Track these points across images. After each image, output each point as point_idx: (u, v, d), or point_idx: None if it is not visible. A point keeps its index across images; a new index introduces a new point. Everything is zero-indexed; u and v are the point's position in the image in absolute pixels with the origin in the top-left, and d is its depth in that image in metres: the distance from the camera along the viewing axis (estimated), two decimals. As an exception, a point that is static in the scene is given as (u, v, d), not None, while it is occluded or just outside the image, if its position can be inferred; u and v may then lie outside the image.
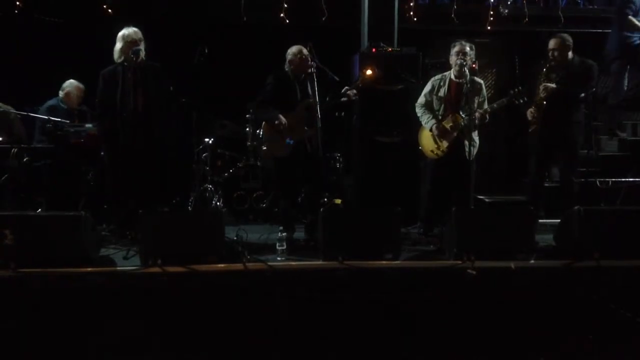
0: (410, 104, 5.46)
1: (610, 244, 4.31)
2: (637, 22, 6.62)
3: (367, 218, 4.51)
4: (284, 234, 4.58)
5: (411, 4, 6.60)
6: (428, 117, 5.20)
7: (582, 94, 5.22)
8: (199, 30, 6.69)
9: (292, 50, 5.06)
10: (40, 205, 5.17)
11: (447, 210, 4.48)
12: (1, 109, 5.48)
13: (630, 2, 6.65)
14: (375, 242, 4.39)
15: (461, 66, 4.96)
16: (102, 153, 5.27)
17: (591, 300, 4.05)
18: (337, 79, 5.22)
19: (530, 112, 5.27)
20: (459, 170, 5.02)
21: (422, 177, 5.60)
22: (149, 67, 4.88)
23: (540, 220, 4.84)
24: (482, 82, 5.22)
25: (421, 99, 5.29)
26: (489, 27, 6.68)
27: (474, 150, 4.94)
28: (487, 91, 5.32)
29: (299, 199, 5.48)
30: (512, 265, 4.24)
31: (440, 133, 5.12)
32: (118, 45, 4.83)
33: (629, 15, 6.62)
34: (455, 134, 5.09)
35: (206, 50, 5.84)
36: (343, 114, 6.30)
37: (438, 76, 5.26)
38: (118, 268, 4.20)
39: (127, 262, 4.30)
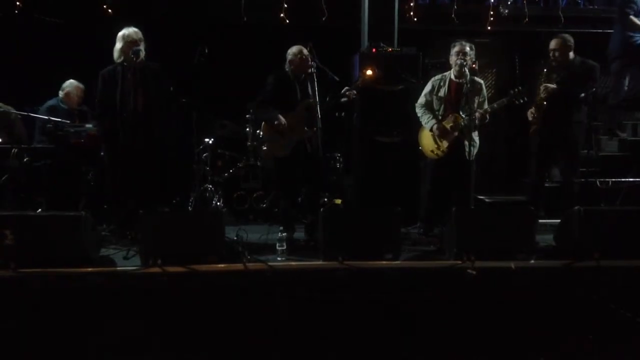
0: (410, 104, 5.46)
1: (611, 244, 4.31)
2: (638, 22, 6.63)
3: (367, 218, 4.51)
4: (284, 234, 4.58)
5: (411, 4, 6.60)
6: (428, 117, 5.20)
7: (582, 94, 5.22)
8: (199, 30, 6.70)
9: (293, 50, 5.05)
10: (41, 205, 5.17)
11: (447, 210, 4.48)
12: (2, 109, 5.48)
13: (631, 2, 6.66)
14: (376, 242, 4.39)
15: (461, 66, 4.96)
16: (102, 153, 5.27)
17: (591, 300, 4.05)
18: (337, 79, 5.21)
19: (530, 113, 5.27)
20: (459, 171, 5.03)
21: (422, 177, 5.60)
22: (148, 67, 4.88)
23: (540, 221, 4.82)
24: (482, 82, 5.22)
25: (421, 99, 5.30)
26: (489, 27, 6.67)
27: (474, 150, 4.94)
28: (487, 91, 5.32)
29: (299, 199, 5.48)
30: (512, 265, 4.23)
31: (441, 133, 5.12)
32: (118, 45, 4.83)
33: (630, 15, 6.63)
34: (455, 134, 5.09)
35: (206, 51, 5.84)
36: (343, 114, 6.29)
37: (438, 76, 5.27)
38: (118, 268, 4.20)
39: (127, 262, 4.30)
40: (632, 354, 3.59)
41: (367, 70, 5.49)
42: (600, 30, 7.38)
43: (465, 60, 4.96)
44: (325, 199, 5.88)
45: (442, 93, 5.18)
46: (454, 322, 3.84)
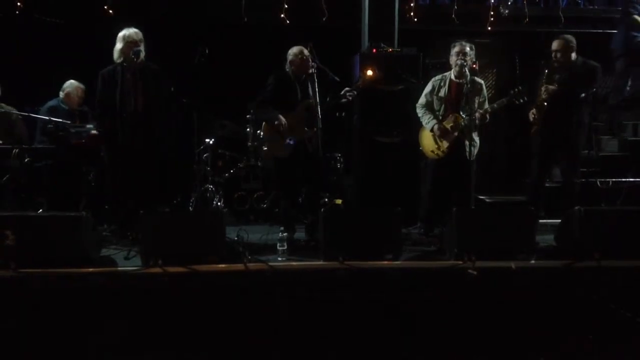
0: (410, 104, 5.46)
1: (611, 244, 4.31)
2: None
3: (368, 218, 4.51)
4: (285, 234, 4.58)
5: (411, 5, 6.60)
6: (429, 118, 5.20)
7: (583, 94, 5.22)
8: (199, 30, 6.70)
9: (293, 50, 5.06)
10: (41, 205, 5.18)
11: (448, 211, 4.48)
12: (2, 110, 5.49)
13: (634, 1, 6.67)
14: (376, 243, 4.39)
15: (461, 66, 4.96)
16: (102, 153, 5.27)
17: (591, 300, 4.05)
18: (338, 79, 5.22)
19: (531, 113, 5.27)
20: (459, 171, 5.02)
21: (423, 177, 5.60)
22: (148, 67, 4.88)
23: (540, 221, 4.84)
24: (482, 82, 5.22)
25: (422, 100, 5.30)
26: (489, 28, 6.67)
27: (475, 151, 4.94)
28: (487, 91, 5.33)
29: (300, 199, 5.48)
30: (513, 265, 4.24)
31: (441, 133, 5.13)
32: (118, 45, 4.83)
33: (634, 14, 6.64)
34: (455, 134, 5.09)
35: (207, 51, 5.84)
36: (343, 114, 6.29)
37: (438, 76, 5.27)
38: (119, 268, 4.20)
39: (127, 263, 4.30)
40: (632, 354, 3.59)
41: (367, 70, 5.50)
42: (601, 31, 7.39)
43: (465, 61, 4.96)
44: (326, 199, 5.88)
45: (442, 93, 5.18)
46: (454, 322, 3.84)
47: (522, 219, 4.48)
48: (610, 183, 6.02)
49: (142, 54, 4.81)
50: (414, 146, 5.52)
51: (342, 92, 5.11)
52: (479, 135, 5.15)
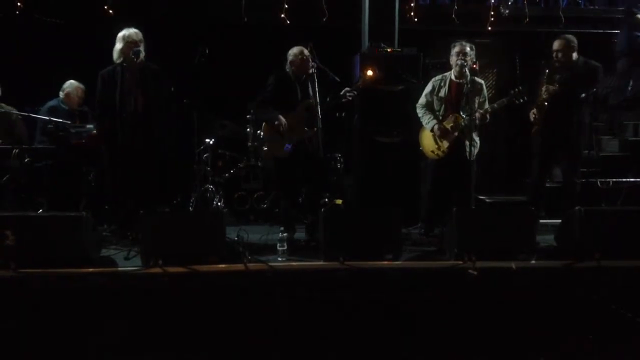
0: (410, 104, 5.46)
1: (611, 244, 4.30)
2: None
3: (368, 218, 4.51)
4: (285, 234, 4.57)
5: (412, 5, 6.60)
6: (429, 118, 5.20)
7: (583, 94, 5.21)
8: (199, 30, 6.70)
9: (294, 50, 5.06)
10: (42, 205, 5.17)
11: (448, 211, 4.47)
12: (3, 110, 5.49)
13: (638, 1, 6.69)
14: (376, 243, 4.39)
15: (461, 66, 4.96)
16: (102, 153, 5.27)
17: (591, 300, 4.04)
18: (338, 79, 5.21)
19: (532, 113, 5.26)
20: (459, 171, 5.02)
21: (423, 178, 5.60)
22: (148, 67, 4.88)
23: (541, 221, 4.83)
24: (482, 82, 5.22)
25: (422, 100, 5.30)
26: (489, 28, 6.67)
27: (475, 151, 4.93)
28: (487, 91, 5.32)
29: (300, 200, 5.49)
30: (513, 265, 4.23)
31: (441, 133, 5.12)
32: (118, 45, 4.83)
33: (637, 14, 6.64)
34: (455, 134, 5.09)
35: (207, 51, 5.84)
36: (343, 114, 6.30)
37: (438, 76, 5.27)
38: (119, 268, 4.20)
39: (128, 263, 4.30)
40: (632, 354, 3.59)
41: (367, 70, 5.50)
42: (601, 31, 7.38)
43: (465, 61, 4.96)
44: (326, 199, 5.88)
45: (442, 93, 5.18)
46: (454, 322, 3.84)
47: (522, 219, 4.48)
48: (611, 183, 6.02)
49: (142, 54, 4.81)
50: (414, 146, 5.52)
51: (342, 92, 5.11)
52: (479, 135, 5.14)
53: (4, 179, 5.02)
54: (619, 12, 7.39)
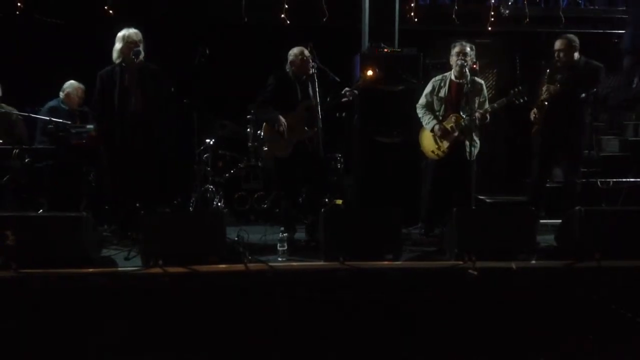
0: (410, 104, 5.46)
1: (611, 244, 4.30)
2: None
3: (368, 218, 4.51)
4: (285, 234, 4.58)
5: (412, 5, 6.60)
6: (429, 118, 5.20)
7: (583, 95, 5.21)
8: (199, 30, 6.70)
9: (294, 51, 5.06)
10: (42, 206, 5.17)
11: (448, 211, 4.47)
12: (3, 110, 5.49)
13: None
14: (376, 243, 4.38)
15: (462, 67, 4.96)
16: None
17: (592, 300, 4.04)
18: (338, 79, 5.21)
19: (533, 113, 5.26)
20: (459, 171, 5.02)
21: (423, 178, 5.60)
22: (147, 67, 4.88)
23: (541, 221, 4.83)
24: (482, 82, 5.22)
25: (422, 100, 5.30)
26: (489, 28, 6.67)
27: (475, 151, 4.93)
28: (487, 91, 5.32)
29: (300, 200, 5.49)
30: (513, 265, 4.23)
31: (441, 133, 5.12)
32: (118, 45, 4.82)
33: None
34: (456, 134, 5.09)
35: (207, 51, 5.84)
36: (343, 114, 6.30)
37: (438, 77, 5.27)
38: (119, 269, 4.20)
39: (128, 263, 4.30)
40: (632, 354, 3.59)
41: (367, 70, 5.49)
42: (601, 31, 7.38)
43: (465, 61, 4.96)
44: (326, 200, 5.88)
45: (442, 93, 5.18)
46: (454, 322, 3.84)
47: (522, 219, 4.48)
48: (611, 183, 6.01)
49: (142, 54, 4.81)
50: (414, 146, 5.52)
51: (343, 92, 5.11)
52: (479, 135, 5.14)
53: (4, 179, 5.02)
54: (619, 12, 7.39)
